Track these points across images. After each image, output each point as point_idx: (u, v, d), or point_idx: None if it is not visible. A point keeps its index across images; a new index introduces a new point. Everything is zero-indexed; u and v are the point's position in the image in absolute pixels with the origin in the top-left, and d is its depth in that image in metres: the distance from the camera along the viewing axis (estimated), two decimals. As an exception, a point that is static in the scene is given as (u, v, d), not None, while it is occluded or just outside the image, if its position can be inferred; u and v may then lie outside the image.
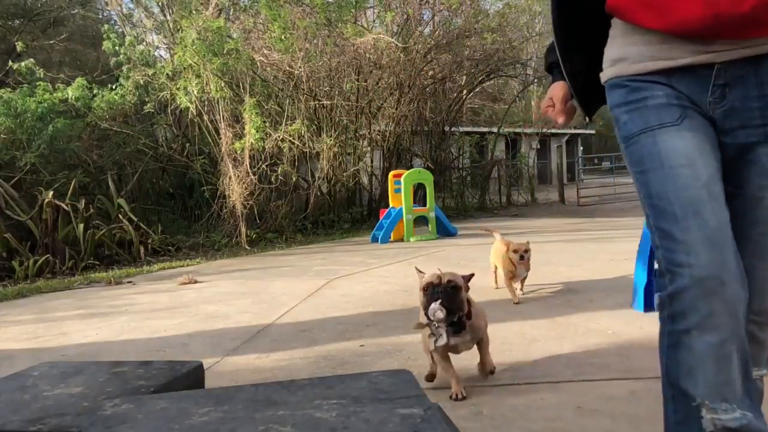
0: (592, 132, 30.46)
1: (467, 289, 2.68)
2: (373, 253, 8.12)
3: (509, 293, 4.73)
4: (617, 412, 2.52)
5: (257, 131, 10.16)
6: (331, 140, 11.25)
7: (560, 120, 1.89)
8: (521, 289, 4.87)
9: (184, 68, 10.48)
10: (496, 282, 5.16)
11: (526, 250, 4.68)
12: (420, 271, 2.78)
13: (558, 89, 1.88)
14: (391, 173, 10.49)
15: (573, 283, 5.30)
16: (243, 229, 10.01)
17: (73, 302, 5.91)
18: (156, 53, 12.52)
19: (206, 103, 10.72)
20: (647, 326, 3.90)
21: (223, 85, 10.43)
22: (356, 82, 11.93)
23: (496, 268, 5.11)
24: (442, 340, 2.57)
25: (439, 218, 9.93)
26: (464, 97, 15.82)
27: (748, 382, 1.40)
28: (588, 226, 10.72)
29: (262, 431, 1.43)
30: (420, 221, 9.88)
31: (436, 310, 2.50)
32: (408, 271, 6.55)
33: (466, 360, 3.38)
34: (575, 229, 10.37)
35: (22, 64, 10.91)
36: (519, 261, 4.63)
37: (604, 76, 1.67)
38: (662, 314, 1.49)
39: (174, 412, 1.54)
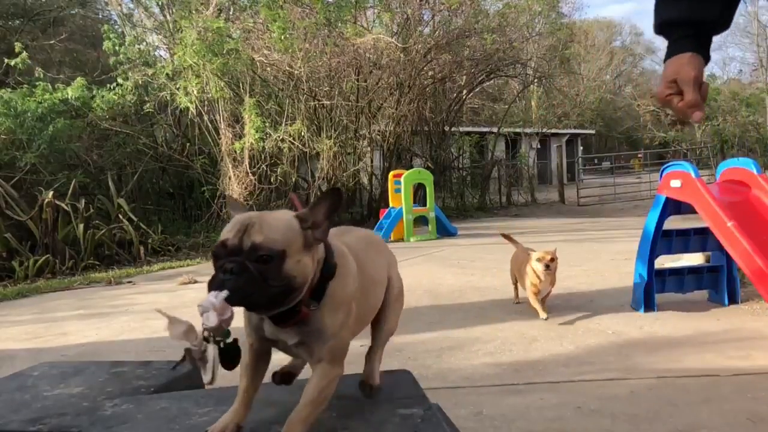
0: (592, 132, 30.46)
1: (320, 237, 1.30)
2: (373, 253, 8.10)
3: (535, 309, 4.18)
4: (617, 412, 2.52)
5: (257, 131, 10.15)
6: (331, 140, 11.24)
7: (698, 116, 1.19)
8: (544, 308, 4.23)
9: (184, 68, 10.48)
10: (517, 296, 4.65)
11: (552, 259, 4.06)
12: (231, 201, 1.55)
13: (687, 65, 1.19)
14: (391, 173, 10.49)
15: (573, 282, 5.30)
16: (243, 229, 9.99)
17: (73, 302, 5.91)
18: (156, 53, 12.53)
19: (206, 103, 10.71)
20: (647, 326, 3.90)
21: (223, 85, 10.43)
22: (356, 82, 11.92)
23: (516, 279, 4.58)
24: (207, 377, 1.22)
25: (439, 218, 9.93)
26: (464, 97, 15.82)
27: None
28: (588, 226, 10.72)
29: (262, 431, 1.43)
30: (420, 221, 9.88)
31: (209, 309, 1.18)
32: (407, 271, 6.55)
33: (466, 358, 3.39)
34: (575, 229, 10.36)
35: (17, 59, 10.89)
36: (545, 271, 4.03)
37: None
38: None
39: (174, 412, 1.54)
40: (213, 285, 1.22)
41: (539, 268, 4.03)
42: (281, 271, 1.23)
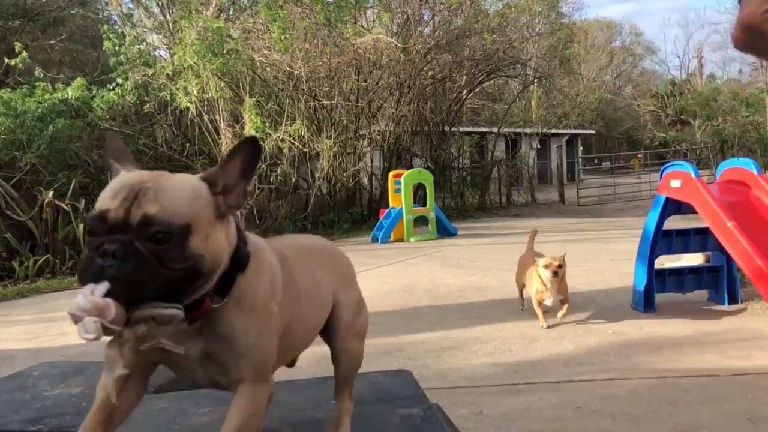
0: (592, 132, 30.46)
1: (235, 204, 1.04)
2: (373, 253, 8.11)
3: (537, 315, 4.01)
4: (617, 412, 2.52)
5: (257, 131, 10.16)
6: (331, 140, 11.24)
7: None
8: (563, 316, 4.00)
9: (184, 68, 10.49)
10: (522, 302, 4.41)
11: (560, 266, 3.79)
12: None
13: None
14: (391, 173, 10.49)
15: (573, 282, 5.29)
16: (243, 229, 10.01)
17: (73, 302, 5.90)
18: (156, 53, 12.54)
19: (206, 103, 10.72)
20: (647, 326, 3.90)
21: (222, 85, 10.44)
22: (356, 82, 11.92)
23: (523, 286, 4.30)
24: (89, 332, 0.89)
25: (439, 218, 9.93)
26: (464, 97, 15.81)
27: None
28: (588, 226, 10.72)
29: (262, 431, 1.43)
30: (420, 221, 9.88)
31: (82, 317, 0.89)
32: (407, 271, 6.56)
33: (466, 358, 3.39)
34: (575, 229, 10.36)
35: (17, 59, 10.90)
36: (552, 278, 3.78)
37: None
38: None
39: (174, 412, 1.54)
40: (87, 274, 0.90)
41: (546, 275, 3.78)
42: (185, 251, 0.93)
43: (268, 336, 1.10)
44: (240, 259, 1.05)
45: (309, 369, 3.25)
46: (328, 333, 1.43)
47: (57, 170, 10.27)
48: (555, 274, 3.75)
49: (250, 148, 1.01)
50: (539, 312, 3.99)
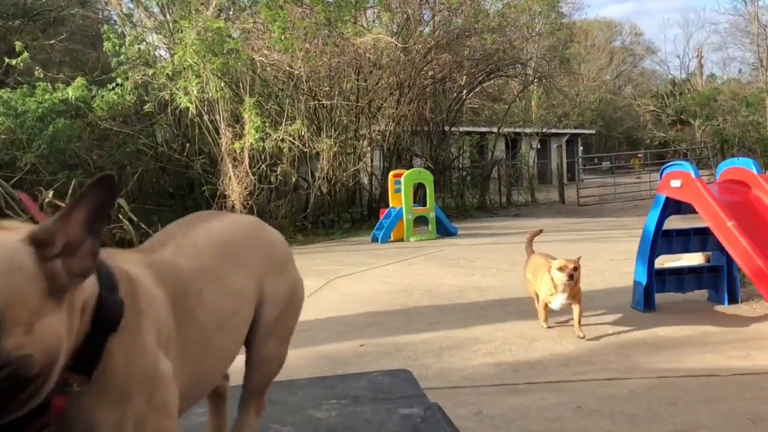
0: (592, 132, 30.47)
1: (82, 270, 0.72)
2: (373, 253, 8.12)
3: (539, 315, 3.93)
4: (617, 412, 2.52)
5: (257, 131, 10.16)
6: (331, 140, 11.25)
7: None
8: (579, 330, 3.69)
9: (184, 68, 10.49)
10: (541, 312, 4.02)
11: (576, 268, 3.57)
12: None
13: None
14: (391, 173, 10.50)
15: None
16: (243, 229, 9.99)
17: None
18: (156, 53, 12.54)
19: (206, 103, 10.72)
20: (647, 326, 3.90)
21: (222, 85, 10.44)
22: (356, 82, 11.93)
23: (537, 294, 4.01)
24: None
25: (439, 218, 9.93)
26: (464, 97, 15.81)
27: None
28: (588, 226, 10.72)
29: (262, 431, 1.43)
30: (420, 221, 9.88)
31: None
32: (408, 271, 6.55)
33: (466, 358, 3.39)
34: (575, 229, 10.36)
35: (17, 59, 10.90)
36: (567, 282, 3.54)
37: None
38: None
39: (174, 412, 1.54)
40: None
41: (562, 278, 3.54)
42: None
43: (154, 425, 0.81)
44: (107, 317, 0.75)
45: (308, 369, 3.26)
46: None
47: (57, 170, 10.27)
48: (570, 277, 3.53)
49: (98, 190, 0.70)
50: (542, 312, 3.91)
